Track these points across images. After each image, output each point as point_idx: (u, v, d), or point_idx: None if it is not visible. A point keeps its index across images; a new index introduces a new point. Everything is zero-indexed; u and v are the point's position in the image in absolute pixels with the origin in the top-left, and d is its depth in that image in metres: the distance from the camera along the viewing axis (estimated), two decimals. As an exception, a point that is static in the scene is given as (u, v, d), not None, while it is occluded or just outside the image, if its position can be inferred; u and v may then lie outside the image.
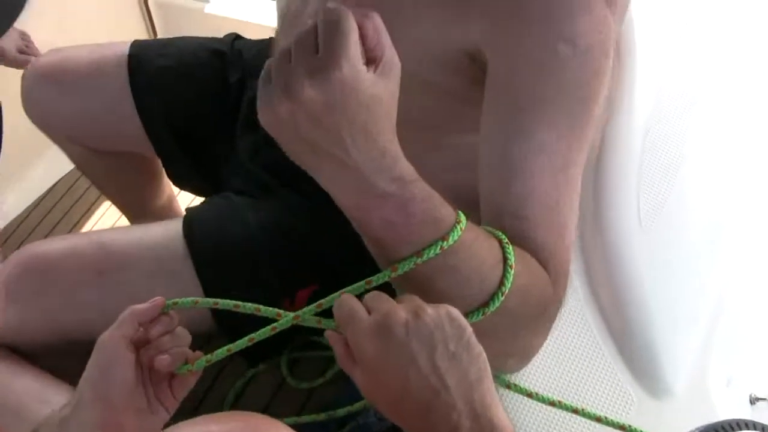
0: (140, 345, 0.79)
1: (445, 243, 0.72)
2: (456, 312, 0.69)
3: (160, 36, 2.42)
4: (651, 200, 1.05)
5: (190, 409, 1.37)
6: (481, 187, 0.87)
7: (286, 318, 0.78)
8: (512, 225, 0.82)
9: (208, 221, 1.21)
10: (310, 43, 0.67)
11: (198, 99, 1.39)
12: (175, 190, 1.83)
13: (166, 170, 1.52)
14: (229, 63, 1.41)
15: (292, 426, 1.14)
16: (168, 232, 1.20)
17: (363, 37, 0.68)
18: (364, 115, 0.68)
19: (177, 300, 0.81)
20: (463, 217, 0.74)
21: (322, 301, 0.76)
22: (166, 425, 0.73)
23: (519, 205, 0.82)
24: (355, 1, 0.76)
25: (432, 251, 0.72)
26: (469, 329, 0.69)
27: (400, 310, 0.68)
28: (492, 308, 0.76)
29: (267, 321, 0.80)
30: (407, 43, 0.91)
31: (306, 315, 0.77)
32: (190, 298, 0.82)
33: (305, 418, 1.14)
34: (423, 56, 0.93)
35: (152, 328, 0.79)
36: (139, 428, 0.78)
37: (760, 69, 1.25)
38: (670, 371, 0.97)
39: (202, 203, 1.31)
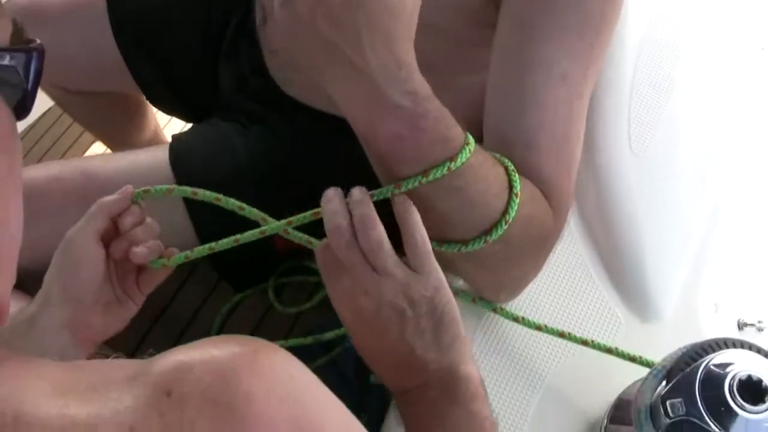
0: (108, 239, 0.78)
1: (452, 164, 0.71)
2: (431, 290, 0.69)
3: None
4: (642, 125, 1.04)
5: (177, 332, 1.39)
6: (489, 116, 0.86)
7: (275, 224, 0.77)
8: (522, 155, 0.81)
9: (194, 148, 1.19)
10: None
11: (180, 30, 1.35)
12: (162, 120, 1.81)
13: (151, 103, 1.50)
14: None
15: (280, 349, 1.15)
16: (154, 159, 1.18)
17: None
18: (386, 19, 0.66)
19: (149, 188, 0.79)
20: (471, 140, 0.73)
21: (317, 210, 0.73)
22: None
23: (531, 134, 0.82)
24: None
25: (439, 171, 0.71)
26: (442, 303, 0.69)
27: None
28: (494, 236, 0.75)
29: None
30: None
31: (299, 221, 0.75)
32: (163, 186, 0.79)
33: (291, 342, 1.14)
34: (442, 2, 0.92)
35: (123, 220, 0.78)
36: (106, 322, 0.78)
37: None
38: (659, 295, 0.98)
39: (188, 130, 1.28)
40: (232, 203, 0.78)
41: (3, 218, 0.45)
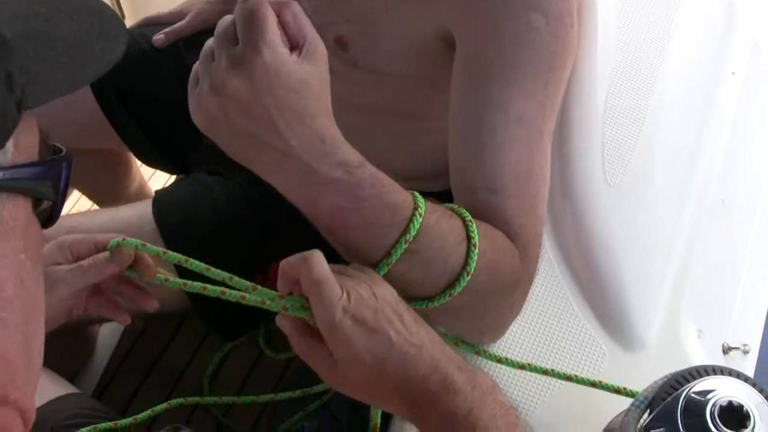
0: None
1: (407, 236, 0.73)
2: (388, 288, 0.73)
3: (126, 11, 2.37)
4: (616, 156, 1.05)
5: (170, 384, 1.39)
6: (452, 161, 0.87)
7: (242, 289, 0.78)
8: (485, 198, 0.82)
9: (176, 200, 1.21)
10: (230, 37, 0.69)
11: (158, 86, 1.37)
12: (147, 173, 1.82)
13: (137, 157, 1.51)
14: (188, 46, 1.39)
15: (268, 403, 1.15)
16: (138, 212, 1.19)
17: (283, 25, 0.69)
18: (294, 99, 0.68)
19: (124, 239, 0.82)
20: (421, 202, 0.75)
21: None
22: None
23: (492, 178, 0.83)
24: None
25: (399, 250, 0.73)
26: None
27: (362, 292, 0.70)
28: (458, 289, 0.77)
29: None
30: (387, 42, 0.91)
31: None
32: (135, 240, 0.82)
33: (281, 396, 1.15)
34: (402, 50, 0.93)
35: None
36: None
37: (723, 20, 1.25)
38: (642, 323, 0.98)
39: (171, 184, 1.30)
40: (218, 273, 0.80)
41: (37, 327, 0.45)
